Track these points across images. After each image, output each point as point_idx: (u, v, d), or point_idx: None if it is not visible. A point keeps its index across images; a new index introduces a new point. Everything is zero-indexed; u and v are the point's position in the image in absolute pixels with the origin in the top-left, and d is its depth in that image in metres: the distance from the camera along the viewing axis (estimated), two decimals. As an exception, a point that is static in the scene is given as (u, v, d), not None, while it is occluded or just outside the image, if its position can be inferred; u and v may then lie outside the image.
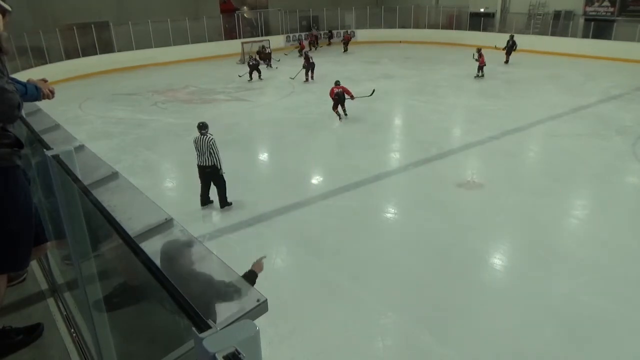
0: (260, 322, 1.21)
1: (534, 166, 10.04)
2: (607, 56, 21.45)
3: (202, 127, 7.28)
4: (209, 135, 7.18)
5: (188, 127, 12.34)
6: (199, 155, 7.26)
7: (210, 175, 7.37)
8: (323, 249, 6.57)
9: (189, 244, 1.34)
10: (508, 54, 20.91)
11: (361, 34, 28.72)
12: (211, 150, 7.13)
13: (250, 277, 3.91)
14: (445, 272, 5.97)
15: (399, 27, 29.02)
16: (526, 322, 5.07)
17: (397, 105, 14.79)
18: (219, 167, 7.28)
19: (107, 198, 1.50)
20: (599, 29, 22.31)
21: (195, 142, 7.23)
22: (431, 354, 4.67)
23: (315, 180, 9.29)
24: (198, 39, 24.02)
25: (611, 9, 22.45)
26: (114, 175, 1.68)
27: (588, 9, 23.27)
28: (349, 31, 28.03)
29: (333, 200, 8.05)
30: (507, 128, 11.72)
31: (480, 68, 17.68)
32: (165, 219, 1.39)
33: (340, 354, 4.71)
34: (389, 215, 7.85)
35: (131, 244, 1.10)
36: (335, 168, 9.58)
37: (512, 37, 21.14)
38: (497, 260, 6.43)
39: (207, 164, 7.21)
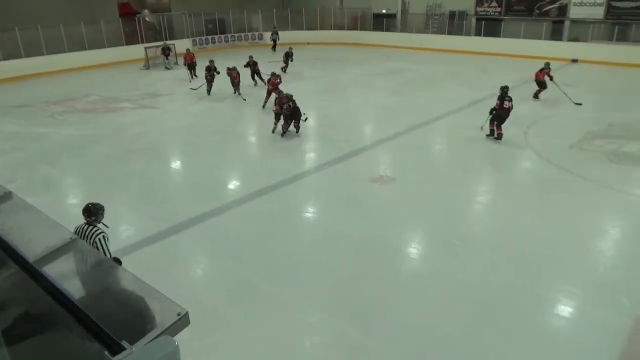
0: (183, 335, 1.16)
1: (440, 158, 10.66)
2: (498, 52, 23.35)
3: (90, 212, 4.75)
4: (97, 227, 4.72)
5: (92, 138, 11.61)
6: None
7: None
8: (244, 254, 6.48)
9: (98, 263, 1.26)
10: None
11: (269, 37, 28.70)
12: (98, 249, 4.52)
13: None
14: (366, 265, 6.15)
15: (306, 29, 29.41)
16: (444, 304, 5.37)
17: (308, 106, 14.92)
18: None
19: (1, 221, 1.37)
20: (489, 27, 24.28)
21: (77, 234, 4.26)
22: (358, 347, 4.79)
23: (232, 185, 9.14)
24: (96, 45, 22.57)
25: (498, 9, 24.48)
26: (7, 196, 1.54)
27: (479, 9, 25.18)
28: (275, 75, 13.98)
29: (251, 205, 7.97)
30: (414, 123, 12.33)
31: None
32: (70, 238, 1.30)
33: (270, 358, 4.68)
34: (308, 215, 7.93)
35: (30, 270, 1.01)
36: (251, 172, 9.50)
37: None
38: (413, 250, 6.75)
39: None
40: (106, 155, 10.47)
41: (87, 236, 4.58)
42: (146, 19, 26.23)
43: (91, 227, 4.68)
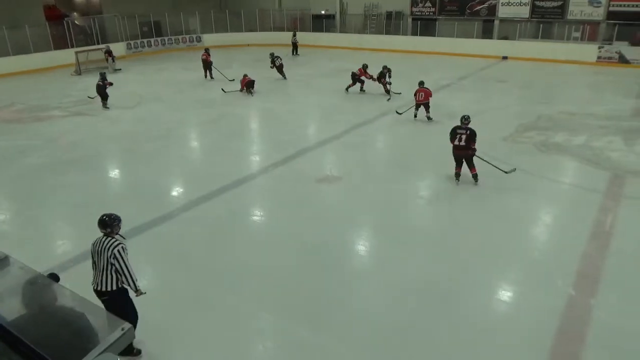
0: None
1: (383, 155, 10.89)
2: (434, 51, 24.18)
3: (105, 224, 4.45)
4: (115, 239, 4.42)
5: (19, 150, 10.94)
6: (94, 273, 4.45)
7: (108, 305, 4.29)
8: (190, 261, 6.33)
9: (32, 281, 1.19)
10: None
11: (208, 39, 28.21)
12: (117, 264, 4.31)
13: None
14: (315, 265, 6.18)
15: (246, 31, 29.14)
16: (393, 298, 5.50)
17: (253, 108, 14.84)
18: (130, 288, 4.48)
19: None
20: (425, 27, 25.11)
21: (94, 247, 4.47)
22: (310, 347, 4.80)
23: (176, 192, 8.90)
24: (21, 50, 21.25)
25: (432, 9, 25.34)
26: None
27: (414, 9, 25.95)
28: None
29: (197, 210, 7.80)
30: (356, 122, 12.52)
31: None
32: (-1, 257, 1.22)
33: (222, 366, 4.60)
34: (255, 218, 7.86)
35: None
36: (196, 177, 9.29)
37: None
38: (361, 247, 6.86)
39: (104, 288, 4.36)
40: (36, 167, 9.89)
41: (106, 248, 4.37)
42: (76, 22, 25.04)
43: (109, 238, 4.45)
